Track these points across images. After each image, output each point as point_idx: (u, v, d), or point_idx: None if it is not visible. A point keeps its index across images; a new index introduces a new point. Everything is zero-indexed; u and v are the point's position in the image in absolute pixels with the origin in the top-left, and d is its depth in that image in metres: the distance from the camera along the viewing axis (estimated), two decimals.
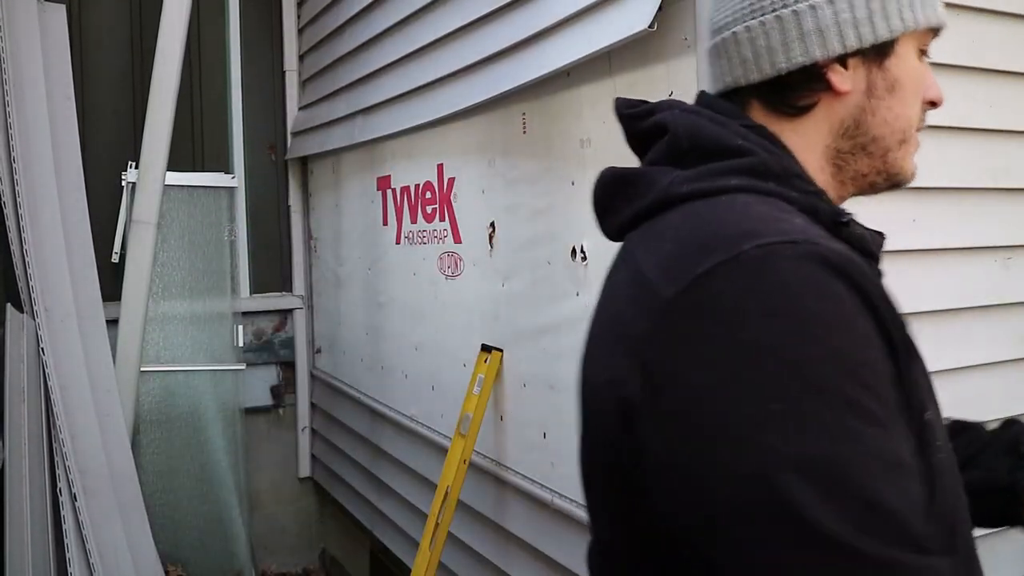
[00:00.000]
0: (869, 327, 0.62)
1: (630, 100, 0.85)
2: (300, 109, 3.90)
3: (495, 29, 2.21)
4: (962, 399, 1.83)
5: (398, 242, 2.97)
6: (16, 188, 2.87)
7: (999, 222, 1.88)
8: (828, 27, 0.78)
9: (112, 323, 3.00)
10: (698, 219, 0.69)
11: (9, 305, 2.94)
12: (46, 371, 2.75)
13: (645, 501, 0.65)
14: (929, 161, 1.78)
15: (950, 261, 1.81)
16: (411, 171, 2.85)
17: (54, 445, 2.72)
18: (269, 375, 3.90)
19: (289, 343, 3.94)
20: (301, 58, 3.90)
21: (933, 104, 0.84)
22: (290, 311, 3.94)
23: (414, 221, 2.84)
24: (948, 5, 1.77)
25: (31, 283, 2.82)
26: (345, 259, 3.53)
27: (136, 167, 3.23)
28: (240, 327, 3.71)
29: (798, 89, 0.80)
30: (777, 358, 0.59)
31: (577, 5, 1.83)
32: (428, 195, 2.73)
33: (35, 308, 2.81)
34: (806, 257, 0.62)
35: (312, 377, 3.94)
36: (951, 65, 1.79)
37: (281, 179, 3.95)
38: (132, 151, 3.40)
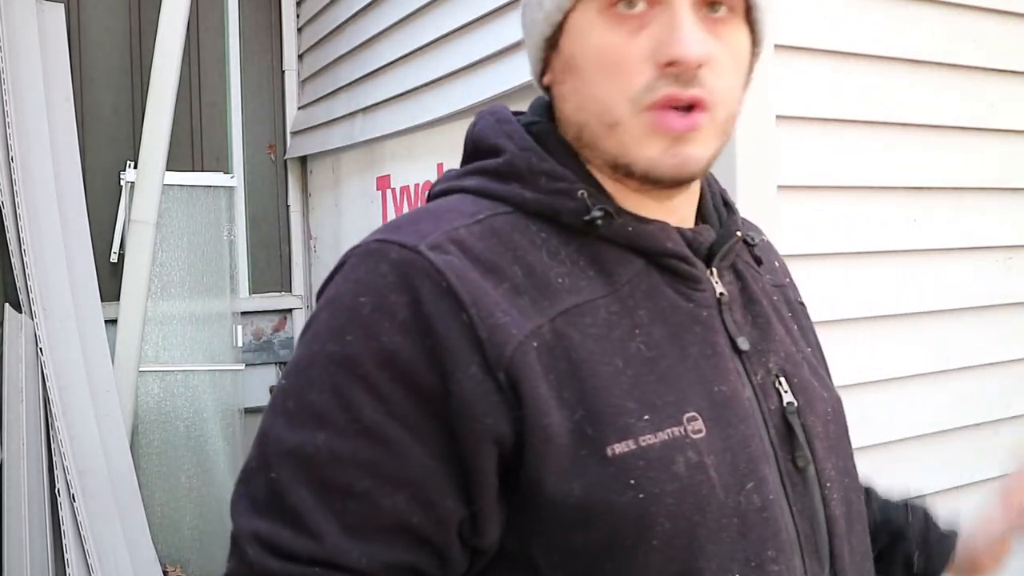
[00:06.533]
0: (419, 331, 0.63)
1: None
2: (299, 108, 3.89)
3: (495, 28, 2.20)
4: (964, 399, 1.83)
5: None
6: (14, 188, 2.87)
7: (1000, 222, 1.87)
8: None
9: (111, 323, 2.99)
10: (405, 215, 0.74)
11: (7, 305, 2.93)
12: (45, 371, 2.74)
13: None
14: (929, 161, 1.79)
15: (951, 261, 1.81)
16: (411, 171, 2.84)
17: (53, 446, 2.72)
18: (268, 375, 3.89)
19: (289, 343, 3.93)
20: (300, 57, 3.89)
21: (671, 64, 0.64)
22: (289, 311, 3.93)
23: None
24: (950, 5, 1.77)
25: (29, 283, 2.82)
26: None
27: (135, 167, 3.22)
28: (239, 327, 3.70)
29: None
30: (305, 346, 0.67)
31: None
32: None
33: (33, 308, 2.81)
34: (379, 257, 0.66)
35: None
36: (952, 64, 1.78)
37: (280, 179, 3.94)
38: (131, 151, 3.39)
